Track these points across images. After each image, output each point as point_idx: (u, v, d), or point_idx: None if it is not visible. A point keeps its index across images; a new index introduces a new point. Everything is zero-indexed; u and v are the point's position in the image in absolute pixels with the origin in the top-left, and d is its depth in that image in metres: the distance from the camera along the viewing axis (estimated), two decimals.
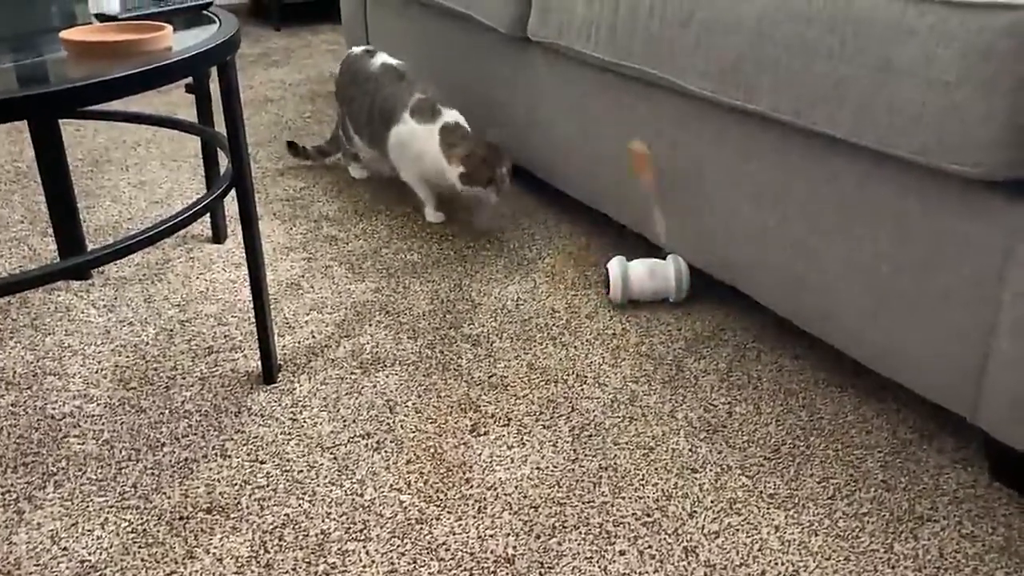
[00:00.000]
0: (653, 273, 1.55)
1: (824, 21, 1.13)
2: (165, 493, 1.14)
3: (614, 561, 1.03)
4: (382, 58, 1.97)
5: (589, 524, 1.08)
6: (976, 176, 1.00)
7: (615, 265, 1.56)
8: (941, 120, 1.01)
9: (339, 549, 1.05)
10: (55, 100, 0.92)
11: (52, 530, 1.08)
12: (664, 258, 1.57)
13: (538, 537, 1.06)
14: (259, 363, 1.40)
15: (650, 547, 1.05)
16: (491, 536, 1.07)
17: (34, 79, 1.04)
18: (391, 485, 1.15)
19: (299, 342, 1.47)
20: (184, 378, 1.37)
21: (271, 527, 1.08)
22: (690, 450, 1.21)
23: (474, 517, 1.10)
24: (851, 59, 1.10)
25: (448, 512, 1.10)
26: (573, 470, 1.18)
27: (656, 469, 1.18)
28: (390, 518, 1.09)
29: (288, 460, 1.19)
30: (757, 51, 1.23)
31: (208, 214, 1.83)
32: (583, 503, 1.12)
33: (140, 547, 1.05)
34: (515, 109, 1.92)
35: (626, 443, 1.23)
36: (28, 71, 1.05)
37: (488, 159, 1.75)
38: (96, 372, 1.39)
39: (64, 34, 1.09)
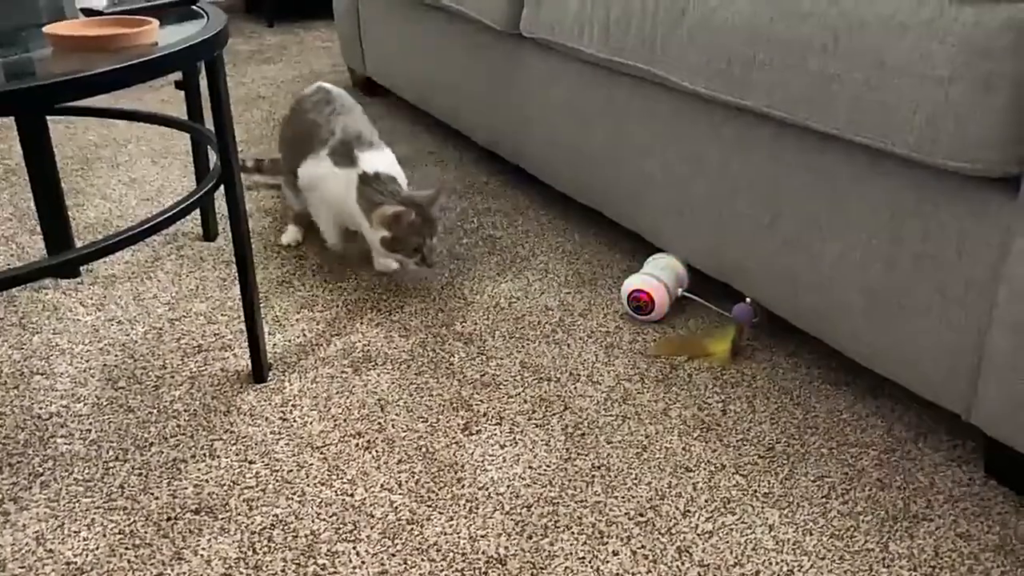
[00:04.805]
0: (670, 270, 1.52)
1: (817, 17, 1.12)
2: (153, 494, 1.12)
3: (607, 561, 1.02)
4: (319, 85, 1.73)
5: (582, 524, 1.07)
6: (972, 173, 0.99)
7: (647, 282, 1.47)
8: (936, 117, 1.00)
9: (329, 550, 1.04)
10: (34, 96, 0.90)
11: (37, 531, 1.06)
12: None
13: (530, 537, 1.05)
14: (249, 362, 1.39)
15: (643, 547, 1.04)
16: (483, 536, 1.06)
17: (16, 74, 1.02)
18: (382, 485, 1.14)
19: (289, 340, 1.46)
20: (173, 377, 1.36)
21: (260, 528, 1.07)
22: (684, 449, 1.20)
23: (465, 517, 1.08)
24: (844, 55, 1.09)
25: (439, 512, 1.09)
26: (566, 469, 1.16)
27: (649, 468, 1.17)
28: (381, 518, 1.08)
29: (278, 460, 1.18)
30: (750, 47, 1.22)
31: (198, 211, 1.82)
32: (576, 502, 1.11)
33: (127, 548, 1.04)
34: (508, 105, 1.91)
35: (619, 442, 1.22)
36: (11, 67, 1.04)
37: (416, 225, 1.49)
38: (84, 371, 1.37)
39: (48, 29, 1.07)
